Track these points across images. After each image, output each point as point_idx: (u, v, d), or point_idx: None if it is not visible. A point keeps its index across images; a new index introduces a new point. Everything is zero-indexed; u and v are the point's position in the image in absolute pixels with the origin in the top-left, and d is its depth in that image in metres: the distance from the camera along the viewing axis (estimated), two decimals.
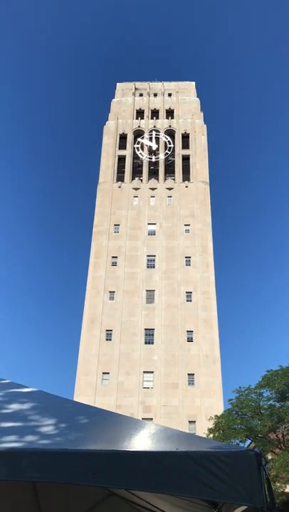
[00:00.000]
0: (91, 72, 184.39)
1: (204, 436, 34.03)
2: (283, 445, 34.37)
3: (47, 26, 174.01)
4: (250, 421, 35.58)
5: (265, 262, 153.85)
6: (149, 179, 75.44)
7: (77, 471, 3.62)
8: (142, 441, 4.20)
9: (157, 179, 75.30)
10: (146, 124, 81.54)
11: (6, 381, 6.60)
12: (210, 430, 36.69)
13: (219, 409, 50.32)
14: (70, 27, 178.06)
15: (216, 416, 38.28)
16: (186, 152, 78.22)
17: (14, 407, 5.21)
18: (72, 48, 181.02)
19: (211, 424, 38.18)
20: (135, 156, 78.36)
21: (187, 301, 63.88)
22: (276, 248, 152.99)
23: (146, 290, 64.97)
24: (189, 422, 55.66)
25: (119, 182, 75.09)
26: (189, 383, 58.40)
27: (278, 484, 30.33)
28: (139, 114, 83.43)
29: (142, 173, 76.49)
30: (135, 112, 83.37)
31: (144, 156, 77.95)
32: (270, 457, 34.00)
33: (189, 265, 66.70)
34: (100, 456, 3.66)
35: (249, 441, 36.19)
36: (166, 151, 78.36)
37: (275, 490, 28.92)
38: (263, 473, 3.64)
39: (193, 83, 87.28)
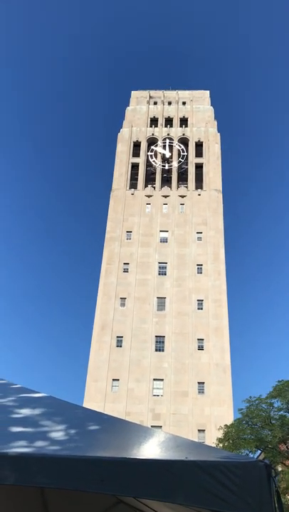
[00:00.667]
0: (106, 80, 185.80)
1: (213, 445, 33.77)
2: None
3: (64, 36, 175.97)
4: (260, 431, 35.23)
5: (279, 271, 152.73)
6: (162, 187, 75.59)
7: (86, 477, 3.61)
8: (151, 449, 4.19)
9: (170, 187, 75.41)
10: (160, 132, 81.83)
11: (17, 386, 6.64)
12: (219, 440, 36.42)
13: (229, 418, 49.91)
14: (87, 36, 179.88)
15: (226, 425, 38.00)
16: (199, 160, 78.28)
17: (25, 411, 5.23)
18: (88, 56, 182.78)
19: (220, 434, 37.88)
20: (148, 164, 78.61)
21: (198, 309, 63.65)
22: None
23: (158, 297, 64.89)
24: (199, 430, 55.26)
25: (132, 189, 75.33)
26: (199, 392, 58.04)
27: (288, 497, 29.95)
28: (153, 122, 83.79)
29: (155, 180, 76.67)
30: (149, 119, 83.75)
31: (157, 163, 78.18)
32: (280, 469, 33.59)
33: (201, 273, 66.51)
34: (109, 463, 3.66)
35: (259, 451, 35.82)
36: (180, 159, 78.50)
37: (284, 503, 28.55)
38: (272, 485, 3.62)
39: (208, 92, 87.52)
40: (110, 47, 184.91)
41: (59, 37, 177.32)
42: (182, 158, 78.57)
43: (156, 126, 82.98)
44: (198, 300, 64.28)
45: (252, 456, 33.20)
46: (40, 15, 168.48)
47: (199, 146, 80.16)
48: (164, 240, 69.96)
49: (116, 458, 3.77)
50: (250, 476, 3.60)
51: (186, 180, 76.40)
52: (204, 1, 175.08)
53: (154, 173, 77.63)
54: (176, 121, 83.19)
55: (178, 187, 75.39)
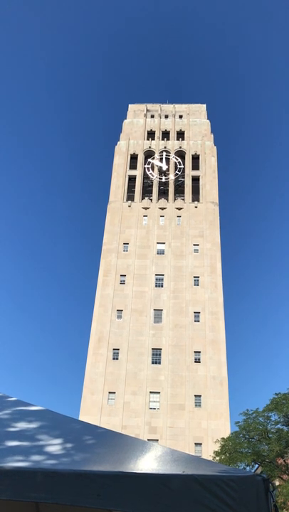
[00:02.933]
0: (104, 93, 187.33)
1: (210, 459, 33.46)
2: None
3: (62, 49, 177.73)
4: (257, 445, 34.98)
5: (276, 284, 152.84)
6: (158, 199, 75.87)
7: (83, 492, 3.59)
8: (148, 463, 4.17)
9: (167, 199, 75.71)
10: (156, 145, 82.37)
11: (13, 399, 6.59)
12: (216, 453, 36.12)
13: (226, 431, 49.57)
14: (85, 50, 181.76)
15: (223, 439, 37.71)
16: (195, 173, 78.73)
17: (21, 425, 5.19)
18: (86, 69, 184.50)
19: (217, 447, 37.59)
20: (145, 176, 79.00)
21: (195, 321, 63.50)
22: (286, 268, 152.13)
23: (154, 309, 64.75)
24: (195, 444, 54.80)
25: (129, 201, 75.57)
26: (196, 405, 57.67)
27: None
28: (150, 135, 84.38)
29: (151, 193, 76.99)
30: (146, 132, 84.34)
31: (154, 176, 78.57)
32: (277, 483, 33.28)
33: (198, 285, 66.49)
34: (105, 478, 3.63)
35: (256, 465, 35.52)
36: (176, 171, 78.94)
37: None
38: (270, 500, 3.59)
39: (204, 105, 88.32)
40: (108, 60, 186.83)
41: (57, 50, 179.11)
42: (179, 171, 79.00)
43: (153, 139, 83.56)
44: (195, 312, 64.16)
45: (249, 470, 32.92)
46: (40, 29, 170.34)
47: (196, 159, 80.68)
48: (160, 252, 70.02)
49: (113, 472, 3.75)
50: (248, 491, 3.58)
51: (183, 193, 76.75)
52: (201, 15, 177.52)
53: (151, 186, 77.97)
54: (172, 135, 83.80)
55: (175, 199, 75.69)
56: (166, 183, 77.97)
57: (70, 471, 3.75)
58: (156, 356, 61.29)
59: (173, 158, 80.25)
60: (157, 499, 3.54)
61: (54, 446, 4.51)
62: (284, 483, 31.56)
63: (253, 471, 33.53)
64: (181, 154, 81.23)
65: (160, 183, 78.12)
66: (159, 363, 60.74)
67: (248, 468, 33.92)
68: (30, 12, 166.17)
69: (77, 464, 4.09)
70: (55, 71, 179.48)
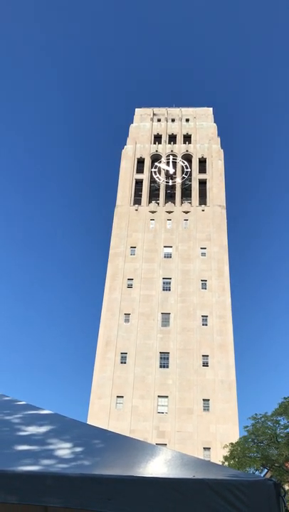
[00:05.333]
0: (111, 97, 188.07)
1: (219, 464, 33.27)
2: None
3: (68, 53, 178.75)
4: (266, 449, 34.76)
5: (284, 287, 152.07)
6: (165, 202, 75.91)
7: (93, 496, 3.58)
8: (158, 468, 4.15)
9: (174, 203, 75.72)
10: (163, 148, 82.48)
11: (22, 403, 6.61)
12: (225, 458, 35.91)
13: (235, 436, 49.28)
14: (91, 54, 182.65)
15: (232, 443, 37.50)
16: (202, 176, 78.71)
17: (31, 429, 5.20)
18: (92, 74, 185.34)
19: (226, 452, 37.38)
20: (152, 180, 79.10)
21: (203, 325, 63.33)
22: None
23: (162, 313, 64.67)
24: (204, 448, 54.55)
25: (136, 205, 75.67)
26: (204, 409, 57.43)
27: None
28: (157, 138, 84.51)
29: (158, 196, 77.05)
30: (153, 136, 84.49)
31: (161, 179, 78.65)
32: (287, 488, 33.02)
33: (205, 289, 66.34)
34: (116, 482, 3.62)
35: (265, 470, 35.29)
36: (183, 175, 78.96)
37: None
38: (281, 505, 3.56)
39: (211, 109, 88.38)
40: (114, 65, 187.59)
41: (63, 56, 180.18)
42: (186, 175, 79.02)
43: (159, 142, 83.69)
44: (202, 316, 64.00)
45: (258, 474, 32.68)
46: (45, 34, 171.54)
47: (203, 162, 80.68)
48: (168, 256, 69.98)
49: (123, 476, 3.74)
50: (259, 495, 3.55)
51: (190, 196, 76.72)
52: (206, 18, 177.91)
53: (158, 189, 78.04)
54: (179, 138, 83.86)
55: (182, 203, 75.68)
56: (173, 187, 78.01)
57: (80, 475, 3.75)
58: (164, 360, 61.17)
59: (180, 162, 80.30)
60: (168, 503, 3.52)
61: (63, 450, 4.52)
62: None
63: (262, 475, 33.30)
64: (187, 158, 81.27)
65: (167, 187, 78.17)
66: (167, 366, 60.60)
67: (256, 472, 33.70)
68: (35, 18, 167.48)
69: (87, 468, 4.09)
70: (62, 76, 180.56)
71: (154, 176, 79.30)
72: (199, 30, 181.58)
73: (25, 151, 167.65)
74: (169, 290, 66.67)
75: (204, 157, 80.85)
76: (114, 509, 3.63)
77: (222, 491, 3.52)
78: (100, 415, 56.89)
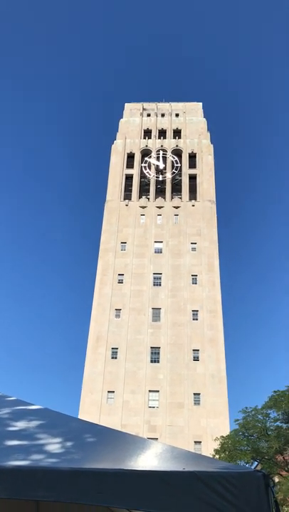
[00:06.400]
0: (100, 92, 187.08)
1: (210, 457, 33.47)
2: None
3: (58, 48, 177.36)
4: (256, 442, 35.06)
5: (275, 281, 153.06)
6: (156, 198, 75.86)
7: (84, 489, 3.58)
8: (148, 461, 4.16)
9: (164, 198, 75.69)
10: (153, 143, 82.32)
11: (12, 398, 6.58)
12: (216, 451, 36.15)
13: (225, 429, 49.63)
14: (81, 48, 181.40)
15: (222, 437, 37.75)
16: (192, 171, 78.73)
17: (21, 424, 5.18)
18: (82, 68, 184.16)
19: (216, 445, 37.63)
20: (142, 175, 78.96)
21: (193, 319, 63.55)
22: (285, 267, 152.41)
23: (153, 308, 64.77)
24: (195, 442, 54.88)
25: (127, 200, 75.54)
26: (195, 403, 57.73)
27: (286, 508, 29.74)
28: (147, 133, 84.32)
29: (149, 191, 76.98)
30: (143, 131, 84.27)
31: (151, 175, 78.54)
32: (277, 480, 33.37)
33: (196, 283, 66.53)
34: (106, 475, 3.63)
35: (256, 463, 35.61)
36: (173, 170, 78.93)
37: None
38: (271, 496, 3.59)
39: (200, 104, 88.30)
40: (104, 59, 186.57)
41: (53, 49, 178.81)
42: (176, 170, 79.00)
43: (149, 137, 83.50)
44: (193, 311, 64.21)
45: (249, 467, 32.97)
46: (35, 28, 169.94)
47: (193, 157, 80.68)
48: (158, 251, 70.03)
49: (113, 470, 3.74)
50: (249, 487, 3.57)
51: (180, 191, 76.75)
52: (197, 13, 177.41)
53: (148, 185, 77.95)
54: (169, 133, 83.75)
55: (172, 198, 75.70)
56: (163, 182, 77.96)
57: (71, 469, 3.74)
58: (155, 355, 61.34)
59: (170, 157, 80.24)
60: (158, 496, 3.54)
61: (54, 444, 4.51)
62: (283, 479, 31.65)
63: (252, 468, 33.60)
64: (177, 153, 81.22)
65: (157, 182, 78.11)
66: (158, 361, 60.79)
67: (247, 465, 33.98)
68: (23, 10, 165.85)
69: (78, 461, 4.09)
70: (51, 71, 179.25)
71: (144, 171, 79.17)
72: (189, 24, 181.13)
73: (14, 145, 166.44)
74: (160, 285, 66.77)
75: (194, 152, 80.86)
76: (105, 502, 3.64)
77: (212, 483, 3.54)
78: (91, 410, 56.95)
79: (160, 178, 78.23)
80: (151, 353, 61.49)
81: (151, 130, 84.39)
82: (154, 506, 3.61)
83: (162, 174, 78.54)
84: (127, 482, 3.57)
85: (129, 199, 75.78)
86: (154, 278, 67.51)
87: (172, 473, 3.72)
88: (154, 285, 66.84)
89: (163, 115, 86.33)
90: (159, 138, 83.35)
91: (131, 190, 77.01)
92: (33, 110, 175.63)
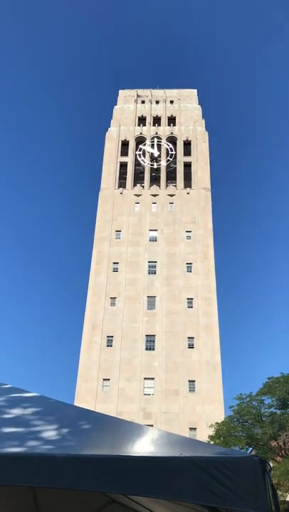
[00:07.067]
0: (94, 78, 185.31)
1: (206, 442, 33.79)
2: (284, 453, 34.18)
3: (51, 35, 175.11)
4: (251, 428, 35.43)
5: (269, 269, 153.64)
6: (150, 186, 75.56)
7: (80, 476, 3.57)
8: (145, 447, 4.16)
9: (159, 186, 75.42)
10: (148, 130, 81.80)
11: (7, 386, 6.57)
12: (211, 437, 36.53)
13: (220, 416, 50.09)
14: (73, 35, 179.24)
15: (217, 423, 38.13)
16: (187, 159, 78.39)
17: (16, 412, 5.17)
18: (74, 54, 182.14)
19: (211, 431, 38.00)
20: (137, 163, 78.56)
21: (188, 307, 63.75)
22: (280, 254, 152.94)
23: (148, 296, 64.88)
24: (190, 429, 55.38)
25: (121, 188, 75.23)
26: (190, 390, 58.16)
27: (280, 493, 30.14)
28: (141, 120, 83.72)
29: (143, 179, 76.64)
30: (137, 118, 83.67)
31: (145, 162, 78.15)
32: (271, 465, 33.78)
33: (190, 271, 66.62)
34: (103, 461, 3.62)
35: (250, 448, 36.01)
36: (168, 157, 78.56)
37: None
38: (267, 480, 3.60)
39: (195, 91, 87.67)
40: (98, 46, 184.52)
41: (45, 36, 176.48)
42: (170, 157, 78.64)
43: (144, 125, 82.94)
44: (188, 298, 64.38)
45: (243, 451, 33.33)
46: (26, 14, 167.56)
47: (187, 144, 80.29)
48: (153, 239, 69.96)
49: (110, 456, 3.74)
50: (245, 471, 3.59)
51: (175, 179, 76.48)
52: (191, 0, 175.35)
53: (143, 172, 77.59)
54: (164, 120, 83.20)
55: (167, 186, 75.44)
56: (158, 170, 77.62)
57: (67, 456, 3.73)
58: (150, 343, 61.59)
59: (164, 144, 79.81)
60: (155, 482, 3.54)
61: (50, 431, 4.49)
62: (277, 464, 32.05)
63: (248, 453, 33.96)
64: (172, 140, 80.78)
65: (152, 170, 77.76)
66: (153, 349, 61.06)
67: (242, 451, 34.36)
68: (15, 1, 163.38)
69: (74, 448, 4.08)
70: (44, 59, 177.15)
71: (139, 159, 78.75)
72: (183, 10, 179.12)
73: (7, 134, 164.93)
74: (155, 273, 66.83)
75: (189, 139, 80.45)
76: (102, 488, 3.63)
77: (209, 468, 3.55)
78: (86, 398, 57.26)
79: (155, 166, 77.87)
80: (147, 340, 61.74)
81: (145, 117, 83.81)
82: (151, 492, 3.61)
83: (157, 162, 78.17)
84: (124, 468, 3.56)
85: (124, 187, 75.46)
86: (149, 266, 67.54)
87: (169, 458, 3.72)
88: (149, 273, 66.89)
89: (157, 102, 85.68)
90: (154, 125, 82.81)
91: (125, 178, 76.66)
92: (24, 98, 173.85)
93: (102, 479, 3.52)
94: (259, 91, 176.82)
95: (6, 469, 3.65)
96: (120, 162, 78.57)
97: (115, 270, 67.28)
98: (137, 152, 79.38)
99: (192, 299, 64.31)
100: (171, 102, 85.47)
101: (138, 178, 76.96)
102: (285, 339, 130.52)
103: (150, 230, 70.69)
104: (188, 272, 66.65)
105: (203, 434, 48.46)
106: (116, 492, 3.66)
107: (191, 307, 63.72)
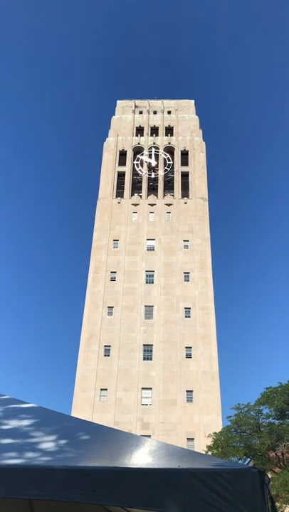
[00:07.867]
0: (92, 89, 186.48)
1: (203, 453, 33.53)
2: (283, 464, 33.94)
3: (50, 44, 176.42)
4: (249, 439, 35.20)
5: (268, 279, 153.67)
6: (148, 195, 75.76)
7: (78, 487, 3.55)
8: (143, 458, 4.14)
9: (156, 195, 75.63)
10: (145, 141, 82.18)
11: (5, 397, 6.54)
12: (208, 447, 36.28)
13: (218, 426, 49.81)
14: (72, 45, 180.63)
15: (215, 433, 37.87)
16: (185, 169, 78.72)
17: (14, 423, 5.14)
18: (73, 65, 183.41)
19: (209, 442, 37.75)
20: (135, 173, 78.83)
21: (186, 317, 63.61)
22: (276, 263, 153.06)
23: (145, 306, 64.75)
24: (188, 439, 55.01)
25: (119, 198, 75.40)
26: (188, 400, 57.86)
27: (278, 504, 29.89)
28: (139, 131, 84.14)
29: (141, 189, 76.85)
30: (135, 129, 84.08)
31: (143, 172, 78.42)
32: (269, 476, 33.53)
33: (188, 281, 66.58)
34: (100, 473, 3.60)
35: (248, 459, 35.77)
36: (166, 167, 78.86)
37: None
38: (266, 492, 3.58)
39: (193, 101, 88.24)
40: (96, 56, 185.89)
41: (45, 46, 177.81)
42: (168, 167, 78.95)
43: (141, 135, 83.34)
44: (185, 308, 64.26)
45: (242, 463, 33.09)
46: (27, 23, 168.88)
47: (185, 154, 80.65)
48: (150, 249, 69.98)
49: (108, 467, 3.72)
50: (244, 483, 3.56)
51: (172, 189, 76.73)
52: (189, 11, 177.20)
53: (140, 182, 77.83)
54: (161, 130, 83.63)
55: (164, 195, 75.64)
56: (156, 179, 77.89)
57: (65, 467, 3.71)
58: (148, 352, 61.35)
59: (162, 154, 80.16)
60: (153, 494, 3.52)
61: (47, 443, 4.48)
62: (276, 475, 31.81)
63: (246, 464, 33.74)
64: (170, 150, 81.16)
65: (149, 180, 78.02)
66: (151, 359, 60.81)
67: (240, 462, 34.12)
68: (18, 5, 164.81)
69: (72, 460, 4.06)
70: (43, 67, 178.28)
71: (137, 169, 79.03)
72: (181, 21, 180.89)
73: (7, 143, 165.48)
74: (152, 283, 66.75)
75: (186, 149, 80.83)
76: (99, 500, 3.61)
77: (207, 480, 3.53)
78: (84, 408, 56.90)
79: (152, 176, 78.15)
80: (144, 350, 61.50)
81: (143, 127, 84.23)
82: (148, 504, 3.58)
83: (154, 172, 78.46)
84: (121, 480, 3.55)
85: (122, 196, 75.65)
86: (147, 276, 67.48)
87: (167, 470, 3.70)
88: (147, 283, 66.82)
89: (155, 112, 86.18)
90: (152, 135, 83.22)
91: (123, 188, 76.88)
92: (24, 107, 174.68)
93: (100, 491, 3.50)
94: (257, 100, 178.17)
95: (4, 482, 3.63)
96: (118, 172, 78.84)
97: (113, 279, 67.20)
98: (135, 162, 79.68)
99: (190, 308, 64.20)
100: (169, 112, 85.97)
101: (136, 188, 77.19)
102: (284, 349, 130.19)
103: (148, 240, 70.74)
104: (185, 281, 66.61)
105: (201, 445, 48.12)
106: (113, 504, 3.63)
107: (189, 317, 63.59)
